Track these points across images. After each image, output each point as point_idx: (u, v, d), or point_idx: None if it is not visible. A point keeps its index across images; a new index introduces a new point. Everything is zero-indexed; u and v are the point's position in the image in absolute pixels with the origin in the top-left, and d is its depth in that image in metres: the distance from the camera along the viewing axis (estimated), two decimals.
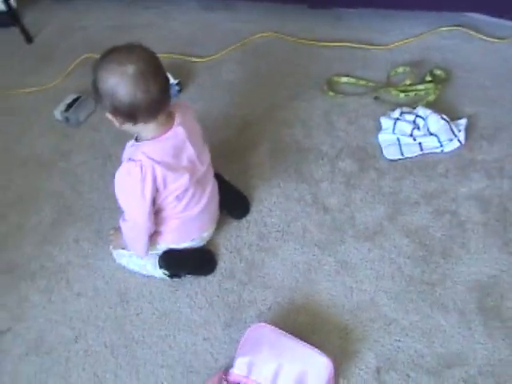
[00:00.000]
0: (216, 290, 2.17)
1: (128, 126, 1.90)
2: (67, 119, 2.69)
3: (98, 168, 2.50)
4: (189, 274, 2.21)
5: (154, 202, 1.99)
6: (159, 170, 1.92)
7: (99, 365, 2.06)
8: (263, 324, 2.02)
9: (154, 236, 2.13)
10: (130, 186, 1.94)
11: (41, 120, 2.76)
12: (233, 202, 2.33)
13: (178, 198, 2.04)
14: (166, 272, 2.18)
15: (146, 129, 1.92)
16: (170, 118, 1.97)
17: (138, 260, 2.20)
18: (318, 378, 1.88)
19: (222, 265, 2.23)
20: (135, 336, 2.10)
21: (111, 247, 2.26)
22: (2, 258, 2.35)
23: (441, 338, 2.00)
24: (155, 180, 1.93)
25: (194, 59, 2.94)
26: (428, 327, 2.02)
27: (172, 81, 2.70)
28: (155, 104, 1.85)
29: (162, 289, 2.19)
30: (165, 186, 1.97)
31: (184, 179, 2.00)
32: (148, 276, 2.21)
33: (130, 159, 1.93)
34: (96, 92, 1.85)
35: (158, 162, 1.91)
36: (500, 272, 2.11)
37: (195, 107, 2.63)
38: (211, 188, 2.18)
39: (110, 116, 1.89)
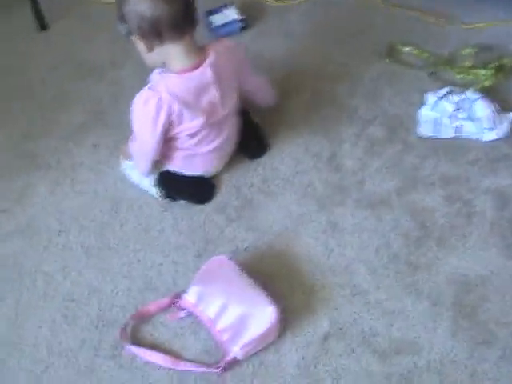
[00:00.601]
0: (201, 220, 2.15)
1: (157, 52, 1.93)
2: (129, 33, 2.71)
3: (142, 83, 2.52)
4: (183, 199, 2.20)
5: (165, 133, 2.01)
6: (176, 106, 1.94)
7: (70, 261, 2.10)
8: (225, 258, 1.98)
9: (162, 159, 2.16)
10: (144, 114, 1.98)
11: (107, 30, 2.78)
12: (251, 143, 2.29)
13: (191, 136, 2.06)
14: (161, 192, 2.18)
15: (174, 54, 1.93)
16: (203, 54, 1.97)
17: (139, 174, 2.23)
18: (258, 324, 1.83)
19: (218, 198, 2.21)
20: (111, 243, 2.13)
21: (121, 156, 2.29)
22: (28, 146, 2.43)
23: (401, 322, 1.89)
24: (170, 115, 1.95)
25: (267, 1, 2.89)
26: (392, 308, 1.91)
27: (236, 16, 2.69)
28: (179, 18, 1.85)
29: (153, 207, 2.20)
30: (179, 122, 1.99)
31: (199, 121, 2.01)
32: (144, 192, 2.23)
33: (150, 87, 1.96)
34: (121, 16, 1.89)
35: (177, 98, 1.93)
36: (490, 274, 1.96)
37: (251, 47, 2.62)
38: (229, 130, 2.16)
39: (137, 41, 1.92)
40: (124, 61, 2.67)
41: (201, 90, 1.98)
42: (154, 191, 2.19)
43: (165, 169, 2.18)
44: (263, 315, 1.84)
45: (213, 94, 2.00)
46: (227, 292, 1.89)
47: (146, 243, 2.12)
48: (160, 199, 2.19)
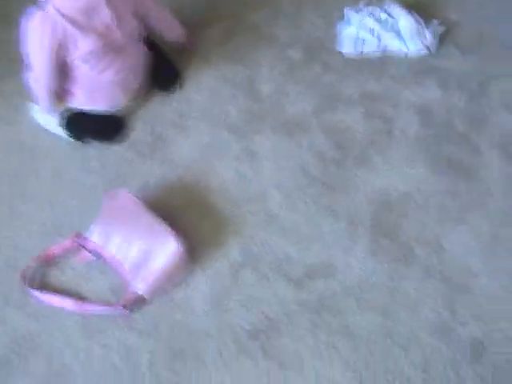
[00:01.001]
0: (112, 158, 2.06)
1: None
2: None
3: None
4: (92, 138, 2.10)
5: (58, 58, 1.91)
6: (64, 24, 1.84)
7: None
8: (126, 193, 1.89)
9: (64, 94, 2.05)
10: (30, 33, 1.87)
11: None
12: (162, 75, 2.18)
13: (86, 60, 1.94)
14: (68, 133, 2.08)
15: None
16: None
17: (47, 116, 2.12)
18: (161, 258, 1.75)
19: (131, 135, 2.10)
20: (25, 190, 2.04)
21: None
22: None
23: (318, 245, 1.81)
24: (56, 34, 1.84)
25: None
26: (308, 232, 1.83)
27: None
28: None
29: (65, 149, 2.11)
30: (74, 44, 1.88)
31: (92, 41, 1.90)
32: (56, 135, 2.12)
33: (38, 6, 1.85)
34: None
35: (64, 16, 1.82)
36: (415, 190, 1.87)
37: None
38: (132, 59, 2.05)
39: None
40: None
41: (90, 10, 1.87)
42: (63, 133, 2.09)
43: (68, 106, 2.07)
44: (165, 250, 1.76)
45: (105, 14, 1.89)
46: (129, 228, 1.81)
47: (58, 186, 2.03)
48: (69, 140, 2.09)
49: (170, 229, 1.79)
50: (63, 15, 1.82)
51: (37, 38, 1.85)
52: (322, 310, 1.69)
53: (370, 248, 1.78)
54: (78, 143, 2.10)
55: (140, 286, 1.75)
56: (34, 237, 1.93)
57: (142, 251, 1.77)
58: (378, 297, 1.70)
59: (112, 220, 1.84)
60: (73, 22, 1.84)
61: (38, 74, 1.96)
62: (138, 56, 2.07)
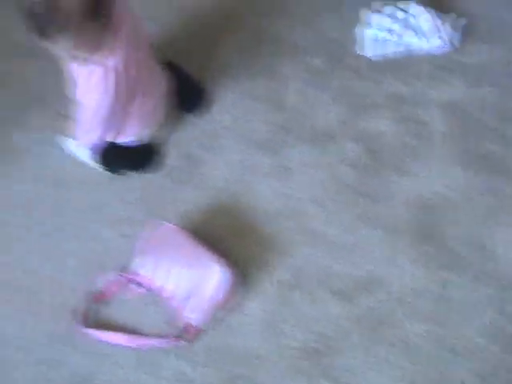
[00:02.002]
0: (150, 187, 2.07)
1: None
2: None
3: None
4: (126, 169, 2.11)
5: None
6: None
7: (18, 246, 2.03)
8: (169, 225, 1.93)
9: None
10: (94, 87, 1.87)
11: None
12: (187, 95, 2.17)
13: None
14: (103, 166, 2.10)
15: None
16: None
17: (81, 148, 2.12)
18: (209, 285, 1.79)
19: (165, 162, 2.10)
20: (60, 223, 2.05)
21: (63, 133, 2.18)
22: None
23: (363, 258, 1.83)
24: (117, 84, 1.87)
25: None
26: (352, 245, 1.86)
27: None
28: None
29: (99, 181, 2.11)
30: None
31: None
32: (90, 167, 2.13)
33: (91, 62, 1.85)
34: None
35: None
36: (454, 191, 1.89)
37: None
38: (154, 88, 2.04)
39: None
40: None
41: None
42: (96, 165, 2.11)
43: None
44: (214, 277, 1.79)
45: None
46: (175, 258, 1.85)
47: (94, 219, 2.04)
48: (105, 172, 2.11)
49: (216, 255, 1.81)
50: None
51: (100, 90, 1.85)
52: (374, 324, 1.72)
53: (414, 256, 1.79)
54: (111, 174, 2.11)
55: (193, 316, 1.78)
56: (79, 273, 1.95)
57: (191, 281, 1.80)
58: (429, 305, 1.72)
59: (156, 251, 1.87)
60: None
61: (95, 116, 1.94)
62: (160, 84, 2.07)
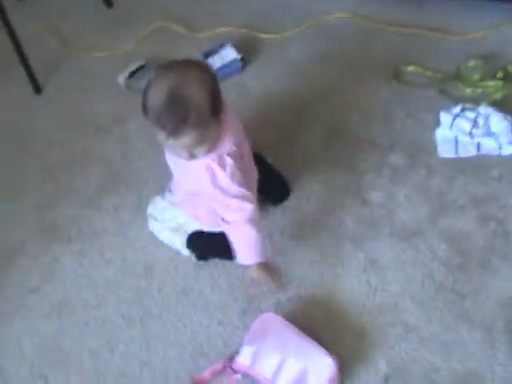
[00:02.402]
0: (239, 275, 2.12)
1: None
2: (129, 86, 2.68)
3: (150, 137, 2.49)
4: (217, 257, 2.17)
5: None
6: None
7: (114, 334, 2.08)
8: (273, 315, 1.98)
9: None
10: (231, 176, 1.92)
11: (105, 84, 2.77)
12: (272, 187, 2.25)
13: None
14: (194, 253, 2.15)
15: None
16: None
17: (169, 234, 2.19)
18: (319, 377, 1.82)
19: None
20: (153, 310, 2.10)
21: (148, 215, 2.25)
22: (46, 218, 2.39)
23: (460, 353, 1.88)
24: None
25: (262, 35, 2.83)
26: (448, 340, 1.91)
27: (235, 56, 2.65)
28: None
29: (187, 266, 2.17)
30: None
31: None
32: (175, 252, 2.19)
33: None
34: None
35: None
36: None
37: (255, 85, 2.61)
38: (253, 176, 2.12)
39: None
40: (126, 115, 2.64)
41: None
42: (187, 252, 2.16)
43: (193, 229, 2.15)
44: (323, 368, 1.83)
45: None
46: (281, 349, 1.88)
47: (188, 306, 2.09)
48: (194, 259, 2.16)
49: (321, 346, 1.87)
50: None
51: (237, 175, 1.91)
52: None
53: (508, 353, 1.86)
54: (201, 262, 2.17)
55: None
56: (175, 360, 1.99)
57: (298, 371, 1.84)
58: None
59: (261, 341, 1.91)
60: None
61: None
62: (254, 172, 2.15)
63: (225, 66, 2.65)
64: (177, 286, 2.14)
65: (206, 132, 1.80)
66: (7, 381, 2.04)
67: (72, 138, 2.63)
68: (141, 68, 2.72)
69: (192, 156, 1.85)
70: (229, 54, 2.68)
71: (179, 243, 2.17)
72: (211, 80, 1.80)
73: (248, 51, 2.76)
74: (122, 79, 2.71)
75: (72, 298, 2.18)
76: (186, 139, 1.77)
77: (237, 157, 1.91)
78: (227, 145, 1.88)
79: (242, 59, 2.68)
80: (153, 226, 2.23)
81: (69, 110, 2.75)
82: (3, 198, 2.49)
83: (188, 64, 1.83)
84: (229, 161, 1.87)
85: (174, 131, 1.74)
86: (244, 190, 1.90)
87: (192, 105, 1.73)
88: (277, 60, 2.75)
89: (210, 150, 1.86)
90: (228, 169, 1.87)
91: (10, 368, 2.06)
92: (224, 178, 1.88)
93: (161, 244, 2.22)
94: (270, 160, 2.30)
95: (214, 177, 1.87)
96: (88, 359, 2.04)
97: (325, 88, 2.59)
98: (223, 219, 1.94)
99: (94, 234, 2.32)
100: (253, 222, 1.91)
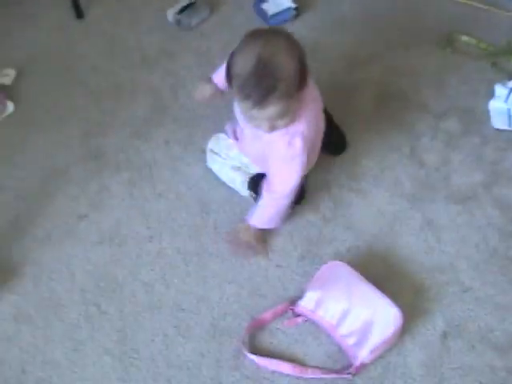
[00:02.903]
0: (298, 221, 2.15)
1: None
2: (179, 22, 2.64)
3: (201, 75, 2.45)
4: None
5: None
6: None
7: (169, 268, 2.07)
8: (341, 263, 1.99)
9: None
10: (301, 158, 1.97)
11: (152, 17, 2.73)
12: (330, 138, 2.26)
13: None
14: (253, 194, 2.16)
15: None
16: None
17: (230, 172, 2.19)
18: (384, 327, 1.85)
19: (310, 198, 2.18)
20: (209, 248, 2.10)
21: (207, 150, 2.25)
22: (90, 144, 2.36)
23: None
24: None
25: None
26: (503, 303, 1.98)
27: (290, 4, 2.65)
28: None
29: (245, 208, 2.16)
30: None
31: None
32: (232, 191, 2.20)
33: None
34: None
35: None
36: None
37: (307, 35, 2.59)
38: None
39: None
40: (174, 50, 2.61)
41: None
42: (247, 193, 2.16)
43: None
44: (389, 319, 1.86)
45: None
46: (348, 296, 1.90)
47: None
48: (253, 200, 2.16)
49: (387, 297, 1.89)
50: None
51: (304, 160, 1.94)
52: None
53: None
54: (254, 202, 2.14)
55: (363, 354, 1.84)
56: (234, 299, 2.00)
57: (364, 319, 1.86)
58: None
59: (327, 287, 1.93)
60: None
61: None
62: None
63: (279, 13, 2.65)
64: (231, 224, 2.14)
65: (292, 104, 1.82)
66: (60, 304, 2.01)
67: (117, 67, 2.58)
68: (192, 4, 2.67)
69: (273, 128, 1.86)
70: (284, 2, 2.68)
71: (239, 182, 2.17)
72: (300, 52, 1.81)
73: (303, 1, 2.75)
74: (171, 14, 2.66)
75: (123, 228, 2.16)
76: (272, 110, 1.78)
77: (307, 139, 1.92)
78: (303, 124, 1.90)
79: (296, 9, 2.67)
80: (213, 162, 2.22)
81: (113, 38, 2.70)
82: (49, 124, 2.43)
83: (278, 33, 1.82)
84: (299, 143, 1.90)
85: (261, 101, 1.75)
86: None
87: (282, 75, 1.73)
88: (329, 14, 2.75)
89: (291, 122, 1.87)
90: (297, 150, 1.91)
91: (62, 293, 2.03)
92: (288, 153, 1.92)
93: (215, 183, 2.22)
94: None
95: (284, 148, 1.91)
96: (142, 291, 2.02)
97: (376, 49, 2.62)
98: (267, 186, 2.00)
99: (144, 164, 2.29)
100: (289, 199, 2.00)
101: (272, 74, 1.72)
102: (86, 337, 1.95)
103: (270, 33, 1.84)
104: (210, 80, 2.16)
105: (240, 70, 1.75)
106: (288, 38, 1.80)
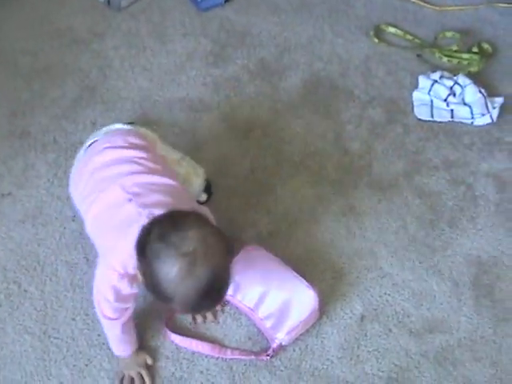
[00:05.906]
0: (221, 205, 2.14)
1: None
2: (109, 2, 2.63)
3: (130, 58, 2.46)
4: None
5: None
6: None
7: (91, 248, 2.03)
8: (257, 246, 2.03)
9: None
10: None
11: None
12: None
13: None
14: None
15: None
16: None
17: None
18: (301, 309, 1.89)
19: (233, 183, 2.22)
20: None
21: None
22: (18, 124, 2.34)
23: (429, 302, 2.02)
24: None
25: None
26: (419, 289, 2.04)
27: None
28: None
29: None
30: None
31: None
32: None
33: None
34: None
35: None
36: (501, 253, 2.12)
37: (238, 20, 2.62)
38: None
39: None
40: (104, 31, 2.61)
41: None
42: None
43: None
44: (305, 300, 1.90)
45: None
46: (264, 280, 1.94)
47: None
48: None
49: (303, 279, 1.94)
50: None
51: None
52: (442, 361, 1.91)
53: (475, 307, 2.01)
54: None
55: (280, 336, 1.88)
56: None
57: (281, 301, 1.90)
58: (488, 350, 1.94)
59: (244, 272, 1.93)
60: None
61: None
62: None
63: None
64: None
65: None
66: None
67: (46, 46, 2.56)
68: None
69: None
70: None
71: None
72: (222, 237, 1.58)
73: None
74: None
75: (47, 207, 2.14)
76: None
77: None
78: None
79: None
80: None
81: (42, 18, 2.67)
82: None
83: (204, 239, 1.50)
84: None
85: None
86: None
87: (229, 280, 1.58)
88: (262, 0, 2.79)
89: None
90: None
91: None
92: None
93: None
94: None
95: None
96: (64, 270, 2.02)
97: (306, 35, 2.66)
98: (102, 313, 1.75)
99: (70, 145, 2.27)
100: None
101: (222, 286, 1.57)
102: (6, 315, 1.93)
103: (201, 244, 1.50)
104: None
105: (187, 298, 1.51)
106: (216, 238, 1.55)
